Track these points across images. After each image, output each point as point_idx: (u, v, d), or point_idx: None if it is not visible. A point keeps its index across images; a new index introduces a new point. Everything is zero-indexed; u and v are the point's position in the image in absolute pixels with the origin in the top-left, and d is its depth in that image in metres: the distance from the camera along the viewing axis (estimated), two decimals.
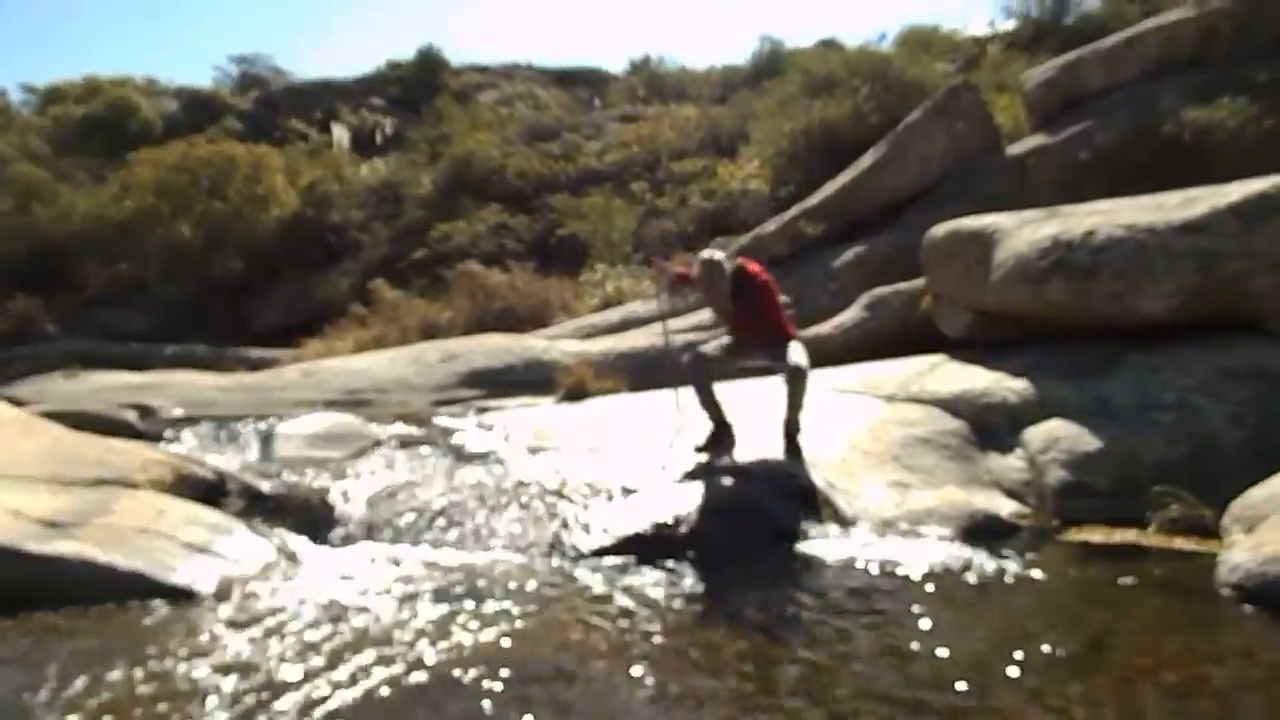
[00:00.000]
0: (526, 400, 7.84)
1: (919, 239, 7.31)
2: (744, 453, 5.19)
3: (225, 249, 19.47)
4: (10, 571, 3.49)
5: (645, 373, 8.55)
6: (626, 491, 4.56)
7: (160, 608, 3.46)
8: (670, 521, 4.26)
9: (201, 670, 2.84)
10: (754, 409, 5.47)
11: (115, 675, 2.83)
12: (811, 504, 4.67)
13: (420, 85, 30.80)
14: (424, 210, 19.73)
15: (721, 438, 5.27)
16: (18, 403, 6.83)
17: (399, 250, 18.48)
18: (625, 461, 4.97)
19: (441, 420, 6.92)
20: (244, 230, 19.74)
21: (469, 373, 8.99)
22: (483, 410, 7.37)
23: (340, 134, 25.92)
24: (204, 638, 3.13)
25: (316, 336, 13.70)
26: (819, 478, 4.91)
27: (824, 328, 8.21)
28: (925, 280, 7.36)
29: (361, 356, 10.04)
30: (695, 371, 5.33)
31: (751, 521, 4.43)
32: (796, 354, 5.20)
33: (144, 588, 3.55)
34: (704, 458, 5.08)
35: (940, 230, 6.84)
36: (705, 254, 5.36)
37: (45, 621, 3.29)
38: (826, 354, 7.74)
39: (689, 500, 4.45)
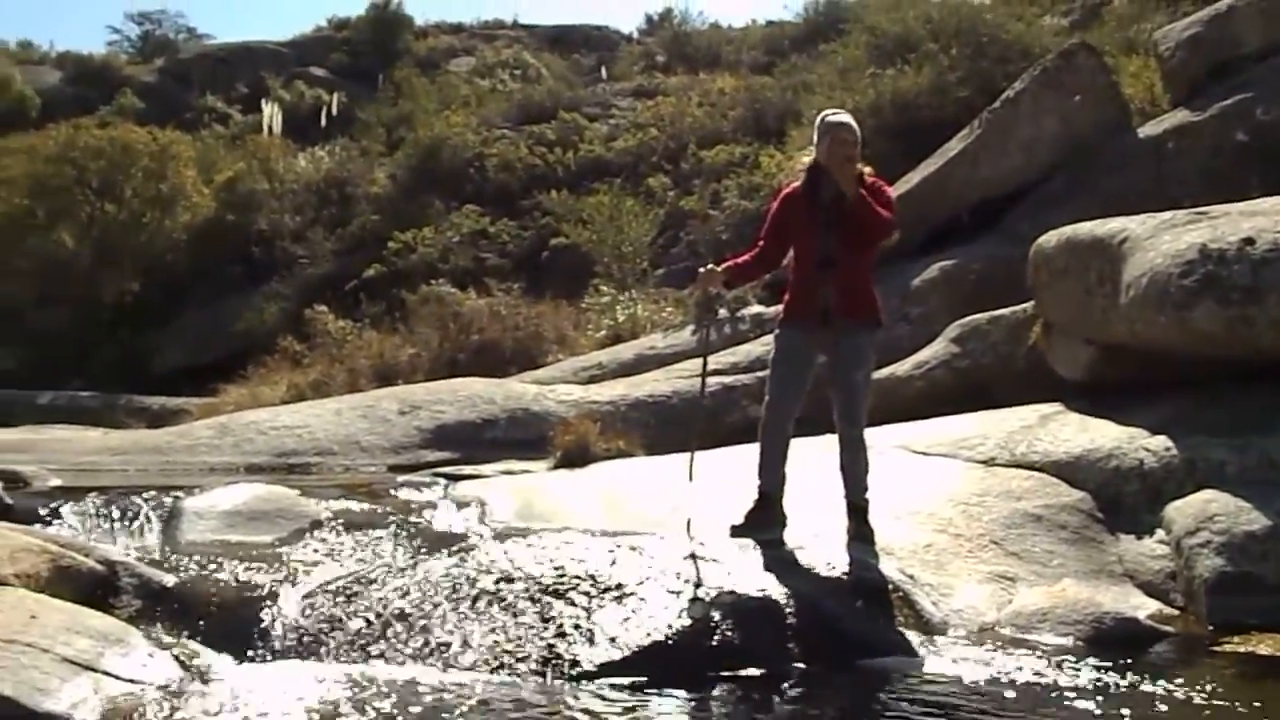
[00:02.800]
0: (511, 465, 7.88)
1: (1024, 250, 7.36)
2: (796, 535, 5.21)
3: (119, 265, 19.73)
4: None
5: (667, 428, 8.58)
6: (642, 588, 4.57)
7: None
8: (700, 629, 4.26)
9: None
10: (800, 469, 5.48)
11: None
12: (885, 604, 4.69)
13: (374, 50, 31.35)
14: (379, 214, 19.98)
15: (768, 513, 5.29)
16: None
17: (346, 267, 18.68)
18: (641, 547, 4.98)
19: (401, 493, 6.96)
20: (143, 241, 20.01)
21: (436, 429, 9.04)
22: (454, 479, 7.41)
23: (271, 114, 26.31)
24: None
25: (237, 381, 13.83)
26: (894, 569, 4.93)
27: (901, 367, 8.24)
28: (1033, 304, 7.39)
29: (297, 408, 10.11)
30: (787, 387, 5.27)
31: (807, 628, 4.45)
32: (859, 401, 5.22)
33: (11, 717, 3.57)
34: (745, 542, 5.10)
35: (1052, 239, 6.89)
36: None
37: None
38: (904, 401, 7.76)
39: (725, 600, 4.46)
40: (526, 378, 10.83)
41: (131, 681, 4.02)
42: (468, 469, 7.88)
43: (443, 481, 7.39)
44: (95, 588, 4.83)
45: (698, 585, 4.58)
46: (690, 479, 5.70)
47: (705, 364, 6.04)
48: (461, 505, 6.45)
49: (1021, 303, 7.69)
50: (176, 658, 4.31)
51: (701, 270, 5.68)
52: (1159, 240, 5.99)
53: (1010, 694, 3.92)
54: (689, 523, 5.49)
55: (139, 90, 30.40)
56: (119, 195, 20.09)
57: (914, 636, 4.50)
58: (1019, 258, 7.61)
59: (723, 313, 11.00)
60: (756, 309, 10.91)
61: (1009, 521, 5.39)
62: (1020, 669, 4.17)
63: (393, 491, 7.10)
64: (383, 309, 15.55)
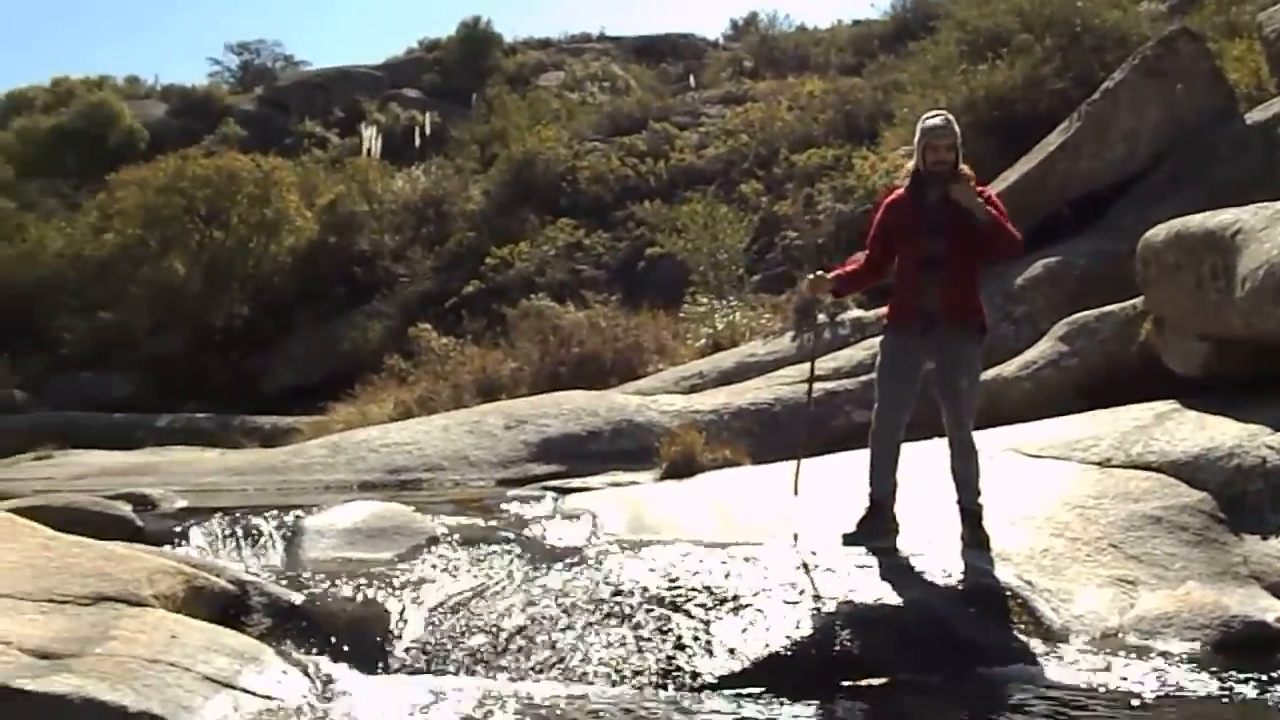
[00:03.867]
0: (617, 477, 7.96)
1: (1129, 244, 7.24)
2: (910, 542, 5.20)
3: (228, 289, 20.30)
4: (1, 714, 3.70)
5: (771, 435, 8.60)
6: (758, 599, 4.60)
7: None
8: (819, 639, 4.28)
9: None
10: (911, 475, 5.45)
11: None
12: (1004, 611, 4.65)
13: (465, 69, 31.80)
14: (475, 231, 20.26)
15: (880, 521, 5.27)
16: None
17: (446, 283, 18.98)
18: (754, 558, 5.01)
19: (512, 506, 7.07)
20: (250, 265, 20.57)
21: (542, 442, 9.16)
22: (563, 492, 7.51)
23: (369, 137, 26.85)
24: None
25: (345, 399, 14.12)
26: (1011, 575, 4.88)
27: (1007, 368, 8.14)
28: (1143, 300, 7.25)
29: (405, 425, 10.32)
30: (894, 394, 5.26)
31: (926, 637, 4.44)
32: (966, 406, 5.19)
33: None
34: (859, 550, 5.10)
35: (1160, 233, 6.76)
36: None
37: None
38: (1012, 403, 7.67)
39: (842, 610, 4.46)
40: (628, 389, 10.90)
41: (267, 698, 4.16)
42: (575, 481, 7.98)
43: (551, 495, 7.49)
44: (227, 607, 5.00)
45: (815, 596, 4.59)
46: (795, 492, 5.70)
47: (812, 370, 6.05)
48: (572, 518, 6.53)
49: (1129, 299, 7.54)
50: (307, 673, 4.45)
51: (808, 277, 5.69)
52: (1274, 231, 5.85)
53: (1136, 702, 3.86)
54: (800, 533, 5.50)
55: (240, 119, 31.25)
56: (226, 222, 20.64)
57: (1035, 644, 4.45)
58: (1125, 253, 7.48)
59: (822, 318, 10.98)
60: (856, 313, 10.86)
61: (1127, 524, 5.30)
62: (1146, 676, 4.11)
63: (504, 506, 7.21)
64: (483, 324, 15.76)
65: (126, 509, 7.08)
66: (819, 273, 5.65)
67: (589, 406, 9.56)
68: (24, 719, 3.72)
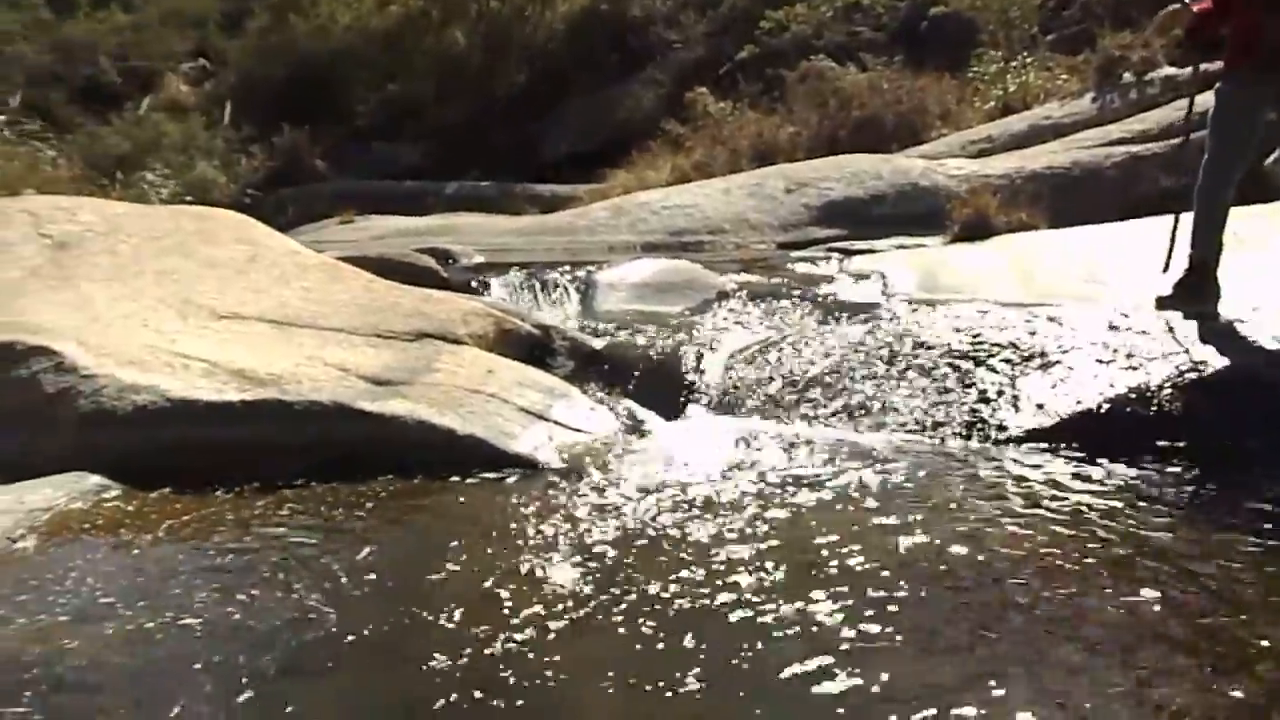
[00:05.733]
0: (903, 241, 7.76)
1: None
2: (1231, 308, 4.85)
3: (506, 58, 20.58)
4: (343, 432, 4.06)
5: (1068, 200, 8.14)
6: (1068, 357, 4.43)
7: (502, 479, 3.88)
8: (1134, 399, 4.10)
9: (554, 554, 3.17)
10: (1237, 239, 5.03)
11: (460, 551, 3.24)
12: None
13: None
14: None
15: (1201, 284, 4.92)
16: None
17: (719, 48, 18.57)
18: (1060, 318, 4.81)
19: (797, 267, 7.05)
20: (527, 33, 20.73)
21: (824, 206, 9.01)
22: (847, 254, 7.41)
23: None
24: (556, 516, 3.48)
25: (622, 165, 14.25)
26: None
27: None
28: None
29: (686, 188, 10.33)
30: (1228, 147, 4.86)
31: (1249, 401, 4.16)
32: None
33: (483, 455, 4.00)
34: (1175, 313, 4.80)
35: None
36: None
37: (384, 488, 3.82)
38: None
39: (1158, 371, 4.24)
40: (912, 153, 10.51)
41: (578, 430, 4.39)
42: (859, 244, 7.84)
43: (836, 256, 7.40)
44: (533, 349, 5.28)
45: (1129, 355, 4.37)
46: (1165, 267, 5.21)
47: (1191, 104, 5.51)
48: (861, 278, 6.45)
49: None
50: (613, 412, 4.65)
51: (1171, 8, 5.12)
52: None
53: None
54: (1110, 295, 5.21)
55: None
56: None
57: None
58: None
59: (1127, 76, 10.16)
60: (1167, 70, 9.99)
61: None
62: None
63: (789, 266, 7.20)
64: (759, 89, 15.40)
65: (432, 261, 7.48)
66: (1176, 5, 5.09)
67: (873, 170, 9.28)
68: (364, 437, 4.07)
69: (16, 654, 2.70)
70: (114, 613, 2.92)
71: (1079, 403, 4.14)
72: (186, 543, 3.40)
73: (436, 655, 2.64)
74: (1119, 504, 3.42)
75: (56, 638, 2.78)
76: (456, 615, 2.84)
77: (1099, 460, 3.83)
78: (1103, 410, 4.09)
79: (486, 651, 2.65)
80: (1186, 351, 4.39)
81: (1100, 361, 4.35)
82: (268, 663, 2.65)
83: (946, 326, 4.87)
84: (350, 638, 2.75)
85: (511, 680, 2.52)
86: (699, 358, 5.05)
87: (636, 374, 5.03)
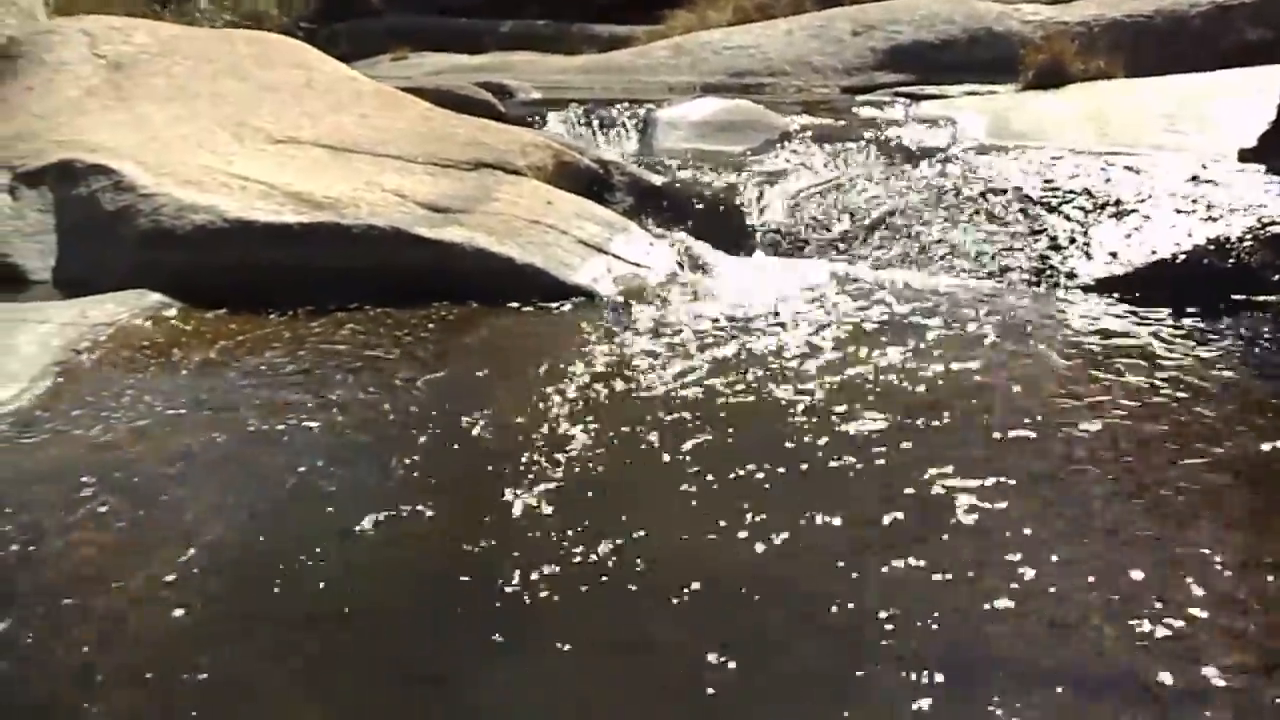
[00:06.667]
0: (974, 87, 7.50)
1: None
2: None
3: None
4: (401, 258, 4.02)
5: (1148, 49, 7.82)
6: (1144, 206, 4.29)
7: (560, 308, 3.86)
8: (1213, 250, 3.97)
9: (616, 384, 3.15)
10: None
11: (524, 369, 3.26)
12: None
13: None
14: None
15: None
16: None
17: None
18: (1137, 167, 4.64)
19: (863, 110, 6.84)
20: None
21: (891, 50, 8.71)
22: (915, 99, 7.18)
23: None
24: (616, 343, 3.45)
25: (682, 5, 13.84)
26: None
27: None
28: None
29: (748, 28, 10.02)
30: None
31: None
32: None
33: (542, 285, 3.96)
34: (1258, 166, 4.63)
35: None
36: None
37: (442, 313, 3.80)
38: None
39: (1239, 223, 4.10)
40: None
41: (637, 265, 4.33)
42: (928, 89, 7.60)
43: (903, 102, 7.18)
44: (592, 183, 5.17)
45: (1209, 206, 4.22)
46: None
47: None
48: (929, 123, 6.25)
49: None
50: (673, 248, 4.58)
51: None
52: None
53: None
54: (1190, 145, 5.03)
55: None
56: None
57: None
58: None
59: None
60: None
61: None
62: None
63: (854, 109, 6.99)
64: None
65: (488, 95, 7.34)
66: None
67: (944, 13, 8.93)
68: (422, 264, 4.04)
69: (76, 464, 2.73)
70: (172, 424, 2.95)
71: (1154, 252, 4.02)
72: (243, 360, 3.42)
73: (504, 456, 2.68)
74: (1196, 351, 3.32)
75: (115, 448, 2.81)
76: (522, 422, 2.87)
77: (1166, 309, 3.73)
78: (1178, 261, 3.97)
79: (558, 456, 2.69)
80: (1270, 204, 4.23)
81: (1179, 212, 4.22)
82: (324, 469, 2.67)
83: (1017, 172, 4.72)
84: (416, 442, 2.78)
85: (588, 479, 2.58)
86: (761, 197, 4.94)
87: (697, 211, 4.94)
